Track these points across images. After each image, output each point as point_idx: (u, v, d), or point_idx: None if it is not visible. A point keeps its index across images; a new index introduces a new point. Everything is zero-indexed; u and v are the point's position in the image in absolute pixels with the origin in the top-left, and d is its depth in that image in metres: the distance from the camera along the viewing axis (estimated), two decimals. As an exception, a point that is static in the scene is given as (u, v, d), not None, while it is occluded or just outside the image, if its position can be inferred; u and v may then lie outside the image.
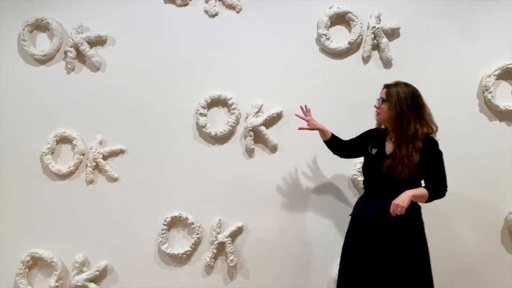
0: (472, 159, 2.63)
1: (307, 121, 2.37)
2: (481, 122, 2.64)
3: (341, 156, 2.40)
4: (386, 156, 2.08)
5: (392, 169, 2.00)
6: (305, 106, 2.38)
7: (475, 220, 2.63)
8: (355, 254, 2.12)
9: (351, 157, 2.41)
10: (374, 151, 2.16)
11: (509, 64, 2.58)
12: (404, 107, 2.01)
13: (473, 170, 2.63)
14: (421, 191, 2.01)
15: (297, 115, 2.38)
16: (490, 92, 2.58)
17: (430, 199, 2.04)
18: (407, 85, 2.09)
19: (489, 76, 2.59)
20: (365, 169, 2.21)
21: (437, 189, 2.05)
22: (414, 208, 2.06)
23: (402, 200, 1.95)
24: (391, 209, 1.97)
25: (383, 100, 2.09)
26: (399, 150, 2.00)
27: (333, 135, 2.35)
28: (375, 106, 2.15)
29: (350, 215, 2.25)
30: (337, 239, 2.64)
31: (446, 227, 2.65)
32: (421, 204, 2.10)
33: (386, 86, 2.12)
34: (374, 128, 2.26)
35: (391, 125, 2.09)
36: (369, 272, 2.05)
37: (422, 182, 2.08)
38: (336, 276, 2.62)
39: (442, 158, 2.06)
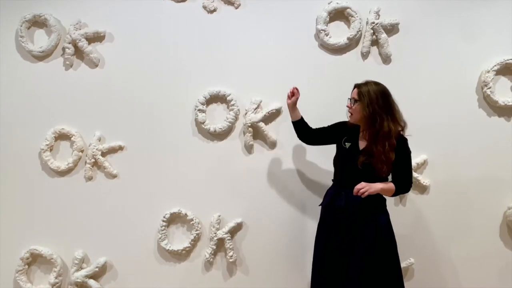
0: (471, 154, 2.64)
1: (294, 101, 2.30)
2: (480, 118, 2.64)
3: (306, 142, 2.41)
4: (359, 152, 2.12)
5: (372, 166, 2.03)
6: (296, 89, 2.31)
7: (474, 215, 2.64)
8: (327, 245, 2.17)
9: (316, 144, 2.40)
10: (347, 145, 2.19)
11: (508, 60, 2.58)
12: (376, 106, 2.04)
13: (472, 165, 2.64)
14: (390, 185, 2.08)
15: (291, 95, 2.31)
16: (489, 88, 2.58)
17: (395, 194, 2.12)
18: (377, 84, 2.11)
19: (488, 72, 2.58)
20: (338, 162, 2.24)
21: (405, 185, 2.13)
22: (381, 199, 2.15)
23: (370, 185, 1.99)
24: (355, 187, 1.98)
25: (355, 101, 2.11)
26: (375, 147, 2.03)
27: (302, 118, 2.35)
28: (347, 106, 2.17)
29: (319, 205, 2.30)
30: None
31: (445, 222, 2.66)
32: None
33: (357, 86, 2.15)
34: (345, 122, 2.28)
35: (365, 124, 2.12)
36: (341, 262, 2.10)
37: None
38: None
39: (411, 156, 2.14)
